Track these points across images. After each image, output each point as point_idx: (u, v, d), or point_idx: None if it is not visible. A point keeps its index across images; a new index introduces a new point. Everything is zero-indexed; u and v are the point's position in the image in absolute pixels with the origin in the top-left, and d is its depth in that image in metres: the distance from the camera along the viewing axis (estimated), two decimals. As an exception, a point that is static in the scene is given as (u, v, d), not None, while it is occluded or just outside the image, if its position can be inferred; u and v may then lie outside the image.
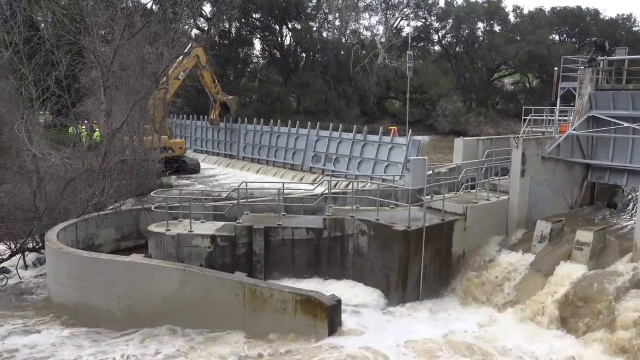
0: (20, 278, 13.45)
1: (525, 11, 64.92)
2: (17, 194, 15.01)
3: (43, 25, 29.67)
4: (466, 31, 65.25)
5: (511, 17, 64.69)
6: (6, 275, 13.30)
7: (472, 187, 14.23)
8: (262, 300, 10.22)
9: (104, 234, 13.96)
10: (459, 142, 16.62)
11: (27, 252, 14.16)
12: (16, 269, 13.64)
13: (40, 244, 13.83)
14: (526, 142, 13.68)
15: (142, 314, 10.62)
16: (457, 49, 67.80)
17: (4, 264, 13.64)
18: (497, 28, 64.53)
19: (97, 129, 24.83)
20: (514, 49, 57.49)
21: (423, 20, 66.16)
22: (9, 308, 11.70)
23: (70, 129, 24.40)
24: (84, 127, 25.42)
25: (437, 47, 70.78)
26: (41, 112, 21.34)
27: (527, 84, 67.53)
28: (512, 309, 11.26)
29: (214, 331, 10.31)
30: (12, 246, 13.79)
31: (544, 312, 10.64)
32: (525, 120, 16.25)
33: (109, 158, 17.24)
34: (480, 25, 65.29)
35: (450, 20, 64.97)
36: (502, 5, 63.77)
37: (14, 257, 13.80)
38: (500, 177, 14.46)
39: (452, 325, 10.89)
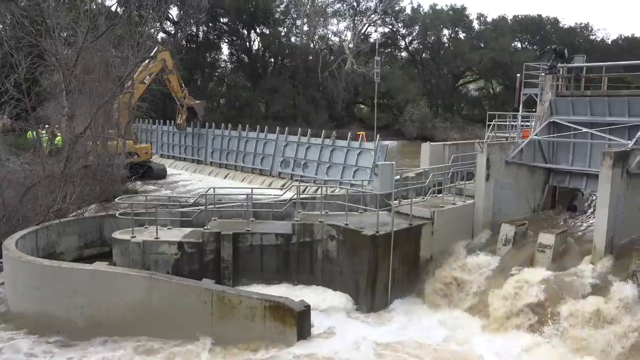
0: (-25, 289, 12.90)
1: (489, 19, 66.66)
2: (-27, 201, 14.41)
3: (1, 26, 28.72)
4: (432, 38, 66.44)
5: (475, 25, 66.29)
6: (-39, 286, 12.73)
7: (439, 192, 14.45)
8: (230, 307, 10.11)
9: (66, 241, 13.53)
10: (425, 147, 16.85)
11: (-17, 262, 13.59)
12: (-29, 279, 13.08)
13: (-2, 253, 13.29)
14: (490, 147, 14.00)
15: (106, 324, 10.35)
16: (424, 55, 68.95)
17: (-41, 275, 13.05)
18: (462, 35, 65.99)
19: (58, 134, 24.13)
20: (478, 55, 58.87)
21: (390, 27, 67.06)
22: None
23: (29, 134, 23.66)
24: (44, 131, 24.67)
25: (404, 54, 71.79)
26: (-1, 116, 20.63)
27: (491, 90, 69.18)
28: (479, 311, 11.45)
29: (181, 339, 10.11)
30: (-33, 255, 13.21)
31: (509, 313, 10.85)
32: (489, 125, 16.62)
33: (72, 163, 16.76)
34: (445, 32, 66.66)
35: (417, 27, 66.05)
36: (467, 13, 65.32)
37: (-31, 267, 13.23)
38: (466, 182, 14.73)
39: (420, 328, 11.00)
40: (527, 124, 16.70)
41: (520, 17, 65.60)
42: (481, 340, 10.46)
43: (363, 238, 11.79)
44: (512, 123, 17.31)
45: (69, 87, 20.27)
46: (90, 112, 19.90)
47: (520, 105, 16.72)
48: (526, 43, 66.71)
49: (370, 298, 11.82)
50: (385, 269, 11.93)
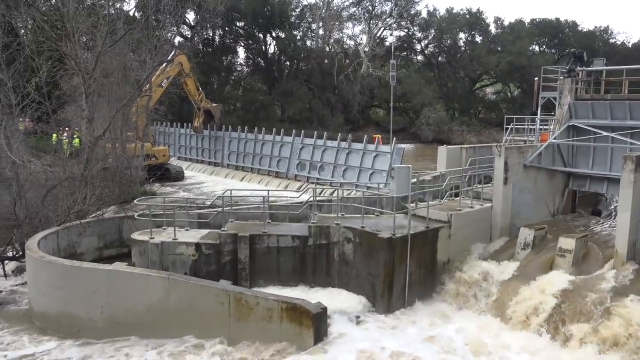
0: (-1, 288, 13.18)
1: (506, 22, 66.23)
2: (-3, 201, 14.72)
3: (23, 31, 29.33)
4: (448, 41, 66.18)
5: (492, 28, 65.91)
6: (-16, 285, 13.03)
7: (456, 195, 14.36)
8: (247, 308, 10.14)
9: (86, 242, 13.74)
10: (442, 151, 16.77)
11: (6, 261, 13.86)
12: (-5, 278, 13.37)
13: (21, 253, 13.55)
14: (508, 150, 13.88)
15: (125, 324, 10.47)
16: (440, 58, 68.69)
17: (-18, 274, 13.36)
18: (478, 38, 65.63)
19: (76, 136, 24.53)
20: (495, 59, 58.46)
21: (406, 30, 66.90)
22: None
23: (54, 137, 24.15)
24: (65, 134, 25.12)
25: (420, 57, 71.62)
26: (21, 119, 21.00)
27: (509, 94, 68.62)
28: (498, 316, 11.33)
29: (198, 340, 10.18)
30: (-9, 255, 13.51)
31: (529, 319, 10.73)
32: (507, 129, 16.48)
33: (91, 165, 17.02)
34: (462, 35, 66.38)
35: (433, 31, 65.85)
36: (483, 16, 64.98)
37: (-7, 266, 13.53)
38: (484, 185, 14.63)
39: (437, 332, 10.88)
40: (545, 127, 16.52)
41: (537, 20, 65.13)
42: (500, 346, 10.33)
43: (379, 241, 11.76)
44: (531, 126, 17.15)
45: (89, 91, 20.63)
46: (109, 114, 20.19)
47: (539, 109, 16.56)
48: (544, 46, 66.10)
49: (387, 301, 11.77)
50: (402, 272, 11.88)
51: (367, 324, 11.20)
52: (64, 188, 15.12)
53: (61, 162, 17.76)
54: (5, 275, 13.77)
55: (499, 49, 61.40)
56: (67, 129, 25.36)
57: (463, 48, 66.39)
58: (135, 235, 12.76)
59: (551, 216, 15.09)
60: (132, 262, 12.38)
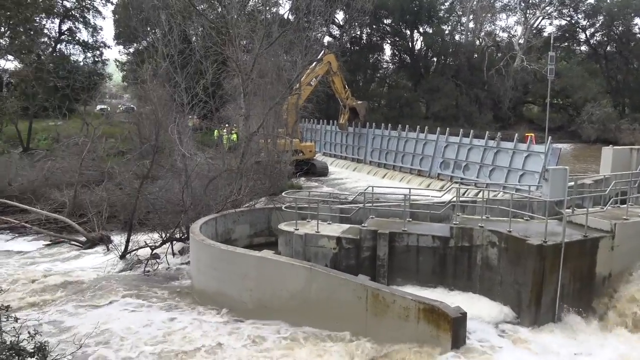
0: (168, 264, 15.05)
1: (697, 3, 56.77)
2: (169, 189, 16.83)
3: (194, 38, 32.89)
4: (620, 28, 58.83)
5: (678, 11, 57.02)
6: (157, 260, 15.01)
7: (622, 202, 12.79)
8: (384, 305, 10.20)
9: (239, 229, 15.00)
10: (607, 152, 15.07)
11: (174, 242, 15.76)
12: (165, 255, 15.29)
13: (186, 235, 15.31)
14: (693, 153, 11.97)
15: (271, 307, 11.21)
16: (609, 48, 61.43)
17: (156, 251, 15.36)
18: (659, 23, 57.37)
19: (234, 132, 26.87)
20: (681, 46, 50.61)
21: (568, 19, 61.10)
22: (159, 289, 13.14)
23: (216, 132, 26.76)
24: (225, 130, 27.71)
25: (583, 47, 64.93)
26: (190, 116, 23.63)
27: (697, 86, 58.91)
28: (669, 342, 9.90)
29: (336, 331, 10.51)
30: (163, 235, 15.47)
31: None
32: (692, 128, 14.21)
33: (246, 159, 18.52)
34: (637, 21, 58.93)
35: (601, 17, 59.14)
36: (667, -3, 56.52)
37: (164, 245, 15.47)
38: (659, 192, 12.82)
39: (594, 353, 9.86)
40: None
41: None
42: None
43: (528, 247, 10.96)
44: None
45: (246, 90, 22.47)
46: (263, 112, 21.76)
47: None
48: None
49: (534, 313, 10.92)
50: (553, 283, 10.93)
51: (510, 335, 10.52)
52: (222, 179, 16.71)
53: (221, 155, 19.65)
54: (173, 254, 15.67)
55: (687, 34, 53.04)
56: (226, 125, 27.92)
57: (638, 35, 58.51)
58: (282, 226, 13.55)
59: None
60: (278, 251, 13.18)
